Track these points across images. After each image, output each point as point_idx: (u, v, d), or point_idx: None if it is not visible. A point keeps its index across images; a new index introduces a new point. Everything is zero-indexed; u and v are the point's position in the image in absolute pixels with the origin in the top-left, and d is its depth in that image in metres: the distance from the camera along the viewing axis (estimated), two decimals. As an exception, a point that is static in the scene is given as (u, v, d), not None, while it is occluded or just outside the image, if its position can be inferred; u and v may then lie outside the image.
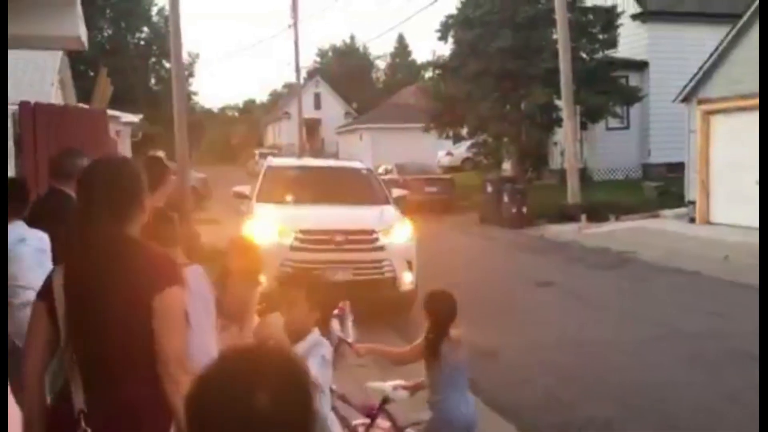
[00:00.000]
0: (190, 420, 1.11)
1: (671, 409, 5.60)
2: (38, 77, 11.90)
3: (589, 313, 8.85)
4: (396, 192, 9.71)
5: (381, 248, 7.90)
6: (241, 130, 70.16)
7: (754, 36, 13.90)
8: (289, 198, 8.85)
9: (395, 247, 7.98)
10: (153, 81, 38.87)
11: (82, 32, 5.29)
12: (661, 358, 6.79)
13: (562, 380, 6.25)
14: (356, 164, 10.71)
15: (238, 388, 1.08)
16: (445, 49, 24.08)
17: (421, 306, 7.20)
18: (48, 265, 2.89)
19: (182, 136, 10.35)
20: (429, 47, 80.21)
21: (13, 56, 10.23)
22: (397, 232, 8.17)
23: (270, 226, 7.88)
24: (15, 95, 5.94)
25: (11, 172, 4.80)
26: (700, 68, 15.35)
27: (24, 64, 11.43)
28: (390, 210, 8.78)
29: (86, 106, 9.44)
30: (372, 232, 7.99)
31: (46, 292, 2.11)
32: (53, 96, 12.05)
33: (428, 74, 26.89)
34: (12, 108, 5.14)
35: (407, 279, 7.92)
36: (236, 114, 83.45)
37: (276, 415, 1.06)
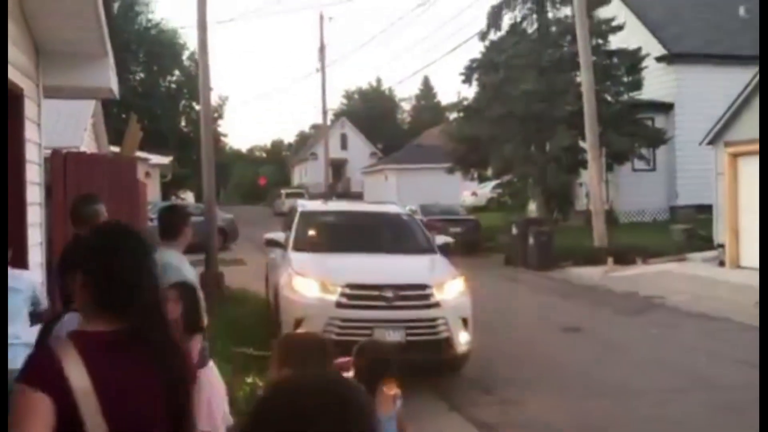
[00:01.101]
0: None
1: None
2: (72, 122, 12.23)
3: (616, 360, 8.70)
4: (440, 239, 8.93)
5: (436, 305, 7.12)
6: (268, 170, 71.13)
7: (780, 79, 13.83)
8: (329, 247, 8.20)
9: (450, 303, 7.20)
10: (183, 123, 39.67)
11: (114, 83, 5.46)
12: (690, 409, 6.63)
13: (583, 428, 6.14)
14: (395, 208, 10.05)
15: (303, 418, 1.11)
16: (470, 91, 24.34)
17: (471, 366, 7.16)
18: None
19: (210, 178, 10.48)
20: (454, 89, 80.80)
21: (48, 102, 10.58)
22: (451, 285, 7.42)
23: (311, 280, 7.21)
24: (49, 140, 6.12)
25: (41, 219, 4.93)
26: (727, 110, 15.28)
27: (58, 109, 11.79)
28: (440, 260, 8.08)
29: (116, 150, 9.66)
30: (425, 286, 7.23)
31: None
32: (85, 140, 12.38)
33: (453, 116, 27.02)
34: (45, 153, 5.30)
35: (463, 339, 7.16)
36: (264, 154, 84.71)
37: None
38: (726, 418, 6.40)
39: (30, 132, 4.73)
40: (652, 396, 7.10)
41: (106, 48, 5.12)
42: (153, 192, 22.24)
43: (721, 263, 15.37)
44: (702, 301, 12.18)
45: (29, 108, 4.69)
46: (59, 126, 10.76)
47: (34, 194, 4.88)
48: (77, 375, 1.57)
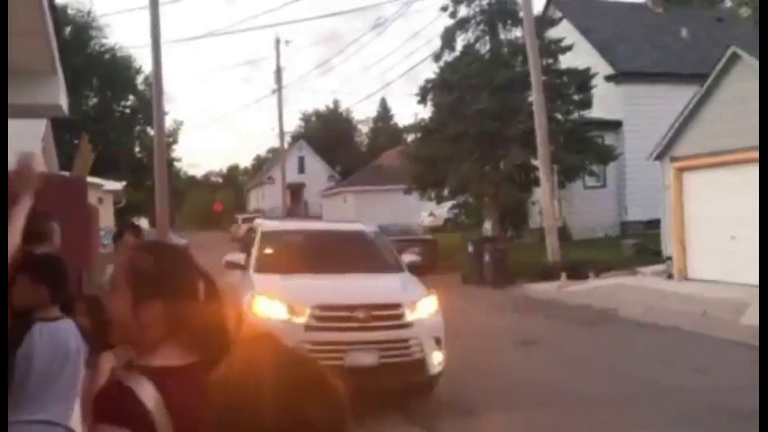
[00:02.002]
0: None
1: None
2: (21, 145, 11.99)
3: (570, 370, 8.84)
4: (407, 257, 8.65)
5: (408, 325, 6.90)
6: (224, 195, 70.54)
7: (721, 95, 14.40)
8: (294, 267, 7.74)
9: (423, 323, 6.98)
10: (137, 148, 39.12)
11: (63, 100, 5.41)
12: (644, 415, 6.78)
13: (544, 439, 6.23)
14: (360, 226, 9.66)
15: (293, 395, 1.01)
16: (426, 112, 24.67)
17: (444, 387, 7.13)
18: None
19: (163, 202, 10.34)
20: (410, 111, 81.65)
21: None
22: (424, 304, 7.17)
23: (277, 302, 6.87)
24: (-4, 163, 5.99)
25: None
26: (671, 126, 15.80)
27: (11, 141, 11.54)
28: (410, 278, 7.84)
29: (66, 174, 9.50)
30: (398, 305, 7.00)
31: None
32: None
33: (410, 137, 27.27)
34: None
35: (436, 360, 6.94)
36: (220, 179, 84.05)
37: (329, 424, 1.02)
38: (678, 422, 6.56)
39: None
40: (607, 404, 7.24)
41: (56, 65, 5.09)
42: (106, 218, 21.84)
43: (670, 276, 15.78)
44: (652, 312, 12.48)
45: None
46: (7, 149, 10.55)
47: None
48: (158, 411, 1.47)
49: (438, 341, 7.03)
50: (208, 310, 1.65)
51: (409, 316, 6.95)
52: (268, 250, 8.26)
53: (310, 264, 7.86)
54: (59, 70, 5.25)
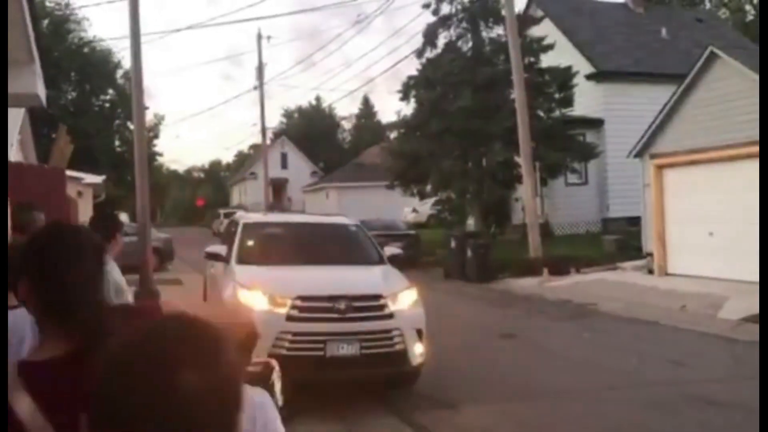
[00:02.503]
0: (98, 410, 0.92)
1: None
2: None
3: (549, 363, 8.91)
4: (389, 250, 8.65)
5: (390, 316, 6.91)
6: (206, 191, 70.16)
7: (700, 93, 14.56)
8: (275, 259, 7.80)
9: (404, 314, 7.00)
10: (117, 143, 38.79)
11: (41, 90, 5.35)
12: (621, 406, 6.85)
13: (520, 430, 6.26)
14: (343, 219, 9.72)
15: (160, 366, 0.90)
16: (408, 109, 24.69)
17: (424, 379, 7.15)
18: None
19: (143, 195, 10.22)
20: (393, 108, 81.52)
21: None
22: (405, 296, 7.21)
23: (258, 293, 6.84)
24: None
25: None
26: (651, 124, 15.95)
27: (7, 133, 11.40)
28: (392, 270, 7.88)
29: (45, 165, 9.41)
30: (379, 297, 7.01)
31: None
32: (13, 157, 11.98)
33: (393, 135, 27.26)
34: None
35: (418, 351, 6.97)
36: (202, 175, 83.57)
37: (205, 396, 0.90)
38: (656, 411, 6.63)
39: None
40: (585, 395, 7.30)
41: (33, 53, 5.03)
42: (86, 212, 21.62)
43: (650, 271, 15.95)
44: (632, 307, 12.60)
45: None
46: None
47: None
48: (25, 409, 1.44)
49: (419, 333, 7.05)
50: (83, 291, 1.59)
51: (391, 308, 6.95)
52: (250, 242, 8.28)
53: (292, 255, 7.92)
54: (36, 59, 5.19)
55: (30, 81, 5.07)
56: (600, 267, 17.29)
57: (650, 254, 16.19)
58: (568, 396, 7.27)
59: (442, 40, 23.04)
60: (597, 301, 13.43)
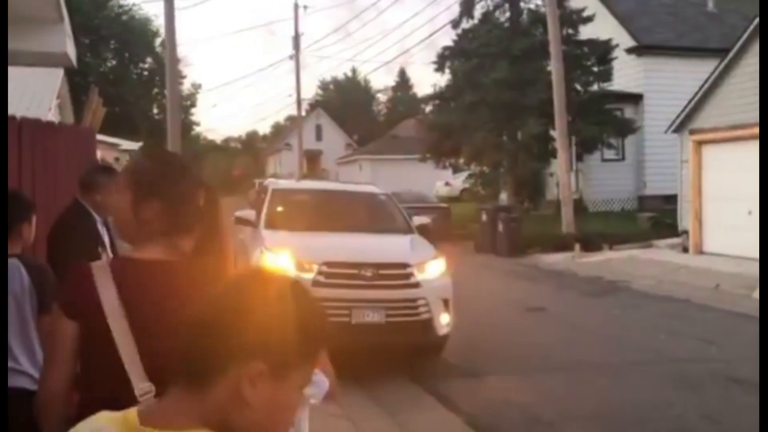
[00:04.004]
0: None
1: (651, 427, 5.59)
2: (36, 102, 12.08)
3: (576, 337, 8.83)
4: (418, 219, 8.60)
5: (416, 285, 6.85)
6: (243, 161, 70.72)
7: (743, 68, 14.09)
8: (304, 225, 7.78)
9: (431, 284, 6.92)
10: (155, 110, 39.24)
11: (70, 49, 5.40)
12: (644, 380, 6.78)
13: (544, 401, 6.23)
14: (373, 188, 9.65)
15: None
16: (443, 80, 24.41)
17: (450, 350, 7.16)
18: None
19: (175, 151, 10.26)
20: (430, 81, 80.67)
21: (12, 84, 10.39)
22: (433, 265, 7.13)
23: (286, 258, 6.78)
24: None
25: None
26: (692, 99, 15.53)
27: (22, 91, 11.60)
28: (419, 240, 7.81)
29: (75, 125, 9.54)
30: (405, 265, 6.96)
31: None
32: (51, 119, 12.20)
33: (428, 108, 27.03)
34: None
35: (444, 321, 6.91)
36: (239, 146, 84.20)
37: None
38: (677, 388, 6.54)
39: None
40: (609, 369, 7.24)
41: (62, 12, 5.06)
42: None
43: (685, 249, 15.65)
44: (664, 284, 12.40)
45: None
46: (21, 107, 10.62)
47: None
48: (108, 298, 1.62)
49: (446, 303, 7.00)
50: (203, 215, 1.80)
51: (417, 277, 6.92)
52: (278, 208, 8.31)
53: (320, 222, 7.91)
54: (66, 18, 5.23)
55: (59, 40, 5.11)
56: (633, 244, 17.02)
57: (685, 232, 15.88)
58: (591, 369, 7.21)
59: (479, 11, 22.64)
60: (628, 278, 13.25)
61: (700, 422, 5.67)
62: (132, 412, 1.00)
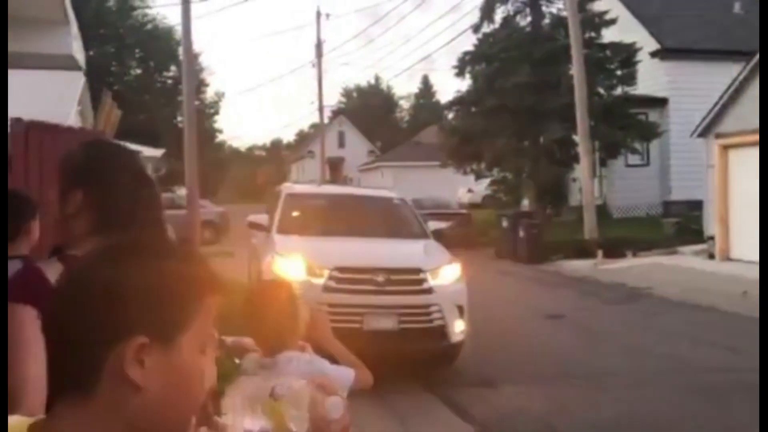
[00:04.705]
0: None
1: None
2: (57, 108, 12.13)
3: (595, 345, 8.62)
4: (433, 225, 8.56)
5: (429, 291, 6.71)
6: (266, 169, 71.11)
7: (770, 70, 13.74)
8: (316, 229, 7.69)
9: (445, 290, 6.77)
10: (179, 118, 39.61)
11: (77, 51, 5.37)
12: (665, 390, 6.55)
13: (559, 411, 6.05)
14: (387, 192, 9.55)
15: None
16: (464, 85, 24.34)
17: (465, 358, 7.01)
18: None
19: (192, 163, 10.27)
20: (453, 88, 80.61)
21: (34, 93, 10.46)
22: (447, 271, 6.98)
23: (297, 263, 6.68)
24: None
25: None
26: (717, 102, 15.21)
27: (44, 96, 11.68)
28: (434, 245, 7.67)
29: (86, 128, 9.57)
30: (418, 271, 6.83)
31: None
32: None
33: (451, 115, 26.90)
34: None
35: (458, 328, 6.76)
36: (263, 153, 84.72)
37: None
38: (700, 398, 6.32)
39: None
40: (628, 379, 7.02)
41: (68, 14, 5.04)
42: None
43: (711, 256, 15.29)
44: (689, 291, 12.09)
45: (-15, 72, 4.61)
46: (43, 111, 10.68)
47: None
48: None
49: (460, 309, 6.85)
50: (142, 211, 1.60)
51: (430, 282, 6.77)
52: (291, 212, 8.22)
53: (333, 226, 7.82)
54: (72, 20, 5.20)
55: (64, 42, 5.08)
56: (658, 251, 16.69)
57: (711, 238, 15.52)
58: (610, 378, 7.01)
59: (499, 15, 22.53)
60: (652, 284, 12.95)
61: (724, 435, 5.45)
62: (25, 422, 0.88)
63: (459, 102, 24.17)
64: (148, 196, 1.64)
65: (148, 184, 1.66)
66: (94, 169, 1.58)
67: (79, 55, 5.45)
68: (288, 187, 9.45)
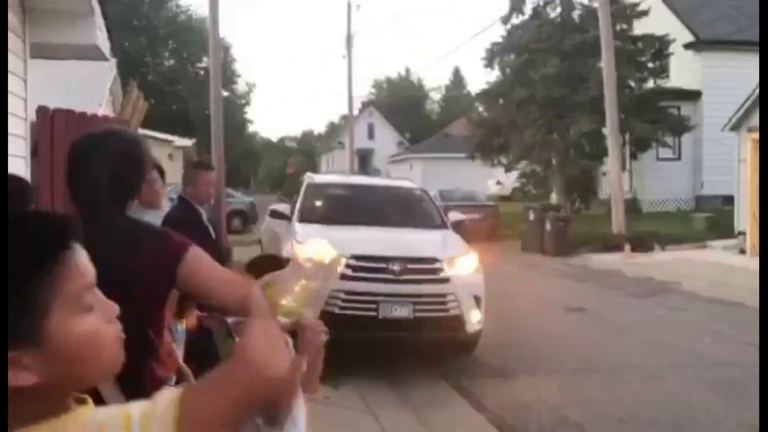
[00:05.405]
0: None
1: (684, 433, 5.36)
2: (87, 93, 12.38)
3: (614, 338, 8.57)
4: (453, 216, 8.56)
5: (445, 280, 6.75)
6: (296, 160, 71.47)
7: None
8: (336, 218, 7.79)
9: (461, 280, 6.80)
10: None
11: (102, 42, 5.49)
12: (683, 384, 6.51)
13: (574, 402, 6.04)
14: (408, 183, 9.63)
15: None
16: (493, 77, 24.11)
17: (482, 349, 7.03)
18: None
19: (218, 148, 10.26)
20: (484, 80, 79.95)
21: (63, 79, 10.67)
22: (463, 261, 7.02)
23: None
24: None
25: (25, 173, 5.01)
26: (750, 95, 14.91)
27: (75, 86, 11.93)
28: (451, 236, 7.72)
29: (110, 115, 9.74)
30: (435, 260, 6.85)
31: None
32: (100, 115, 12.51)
33: (481, 108, 26.78)
34: (33, 116, 5.37)
35: (474, 318, 6.79)
36: (294, 144, 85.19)
37: None
38: (719, 392, 6.27)
39: (14, 85, 4.79)
40: (647, 372, 6.98)
41: (92, 5, 5.16)
42: (176, 175, 22.46)
43: (742, 251, 15.04)
44: (717, 286, 11.92)
45: (13, 62, 4.75)
46: (73, 101, 10.92)
47: (18, 147, 4.95)
48: None
49: (477, 300, 6.87)
50: None
51: (447, 272, 6.79)
52: (313, 201, 8.36)
53: (352, 216, 7.93)
54: (97, 11, 5.32)
55: (90, 33, 5.20)
56: (687, 245, 16.46)
57: (743, 233, 15.25)
58: (627, 371, 6.97)
59: (529, 6, 22.30)
60: (680, 279, 12.78)
61: (739, 430, 5.40)
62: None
63: (486, 92, 24.03)
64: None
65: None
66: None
67: (105, 45, 5.58)
68: (309, 177, 9.58)
